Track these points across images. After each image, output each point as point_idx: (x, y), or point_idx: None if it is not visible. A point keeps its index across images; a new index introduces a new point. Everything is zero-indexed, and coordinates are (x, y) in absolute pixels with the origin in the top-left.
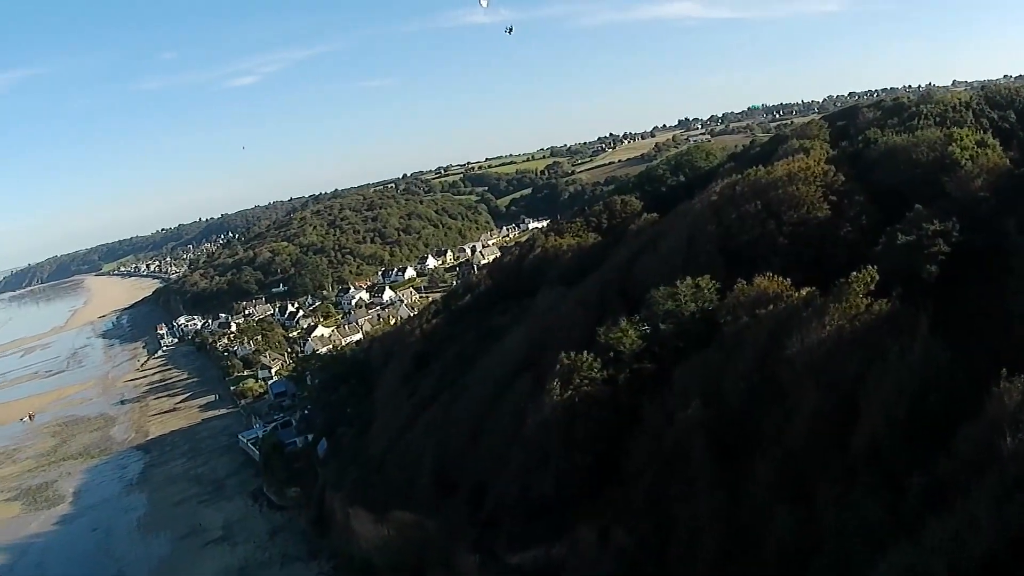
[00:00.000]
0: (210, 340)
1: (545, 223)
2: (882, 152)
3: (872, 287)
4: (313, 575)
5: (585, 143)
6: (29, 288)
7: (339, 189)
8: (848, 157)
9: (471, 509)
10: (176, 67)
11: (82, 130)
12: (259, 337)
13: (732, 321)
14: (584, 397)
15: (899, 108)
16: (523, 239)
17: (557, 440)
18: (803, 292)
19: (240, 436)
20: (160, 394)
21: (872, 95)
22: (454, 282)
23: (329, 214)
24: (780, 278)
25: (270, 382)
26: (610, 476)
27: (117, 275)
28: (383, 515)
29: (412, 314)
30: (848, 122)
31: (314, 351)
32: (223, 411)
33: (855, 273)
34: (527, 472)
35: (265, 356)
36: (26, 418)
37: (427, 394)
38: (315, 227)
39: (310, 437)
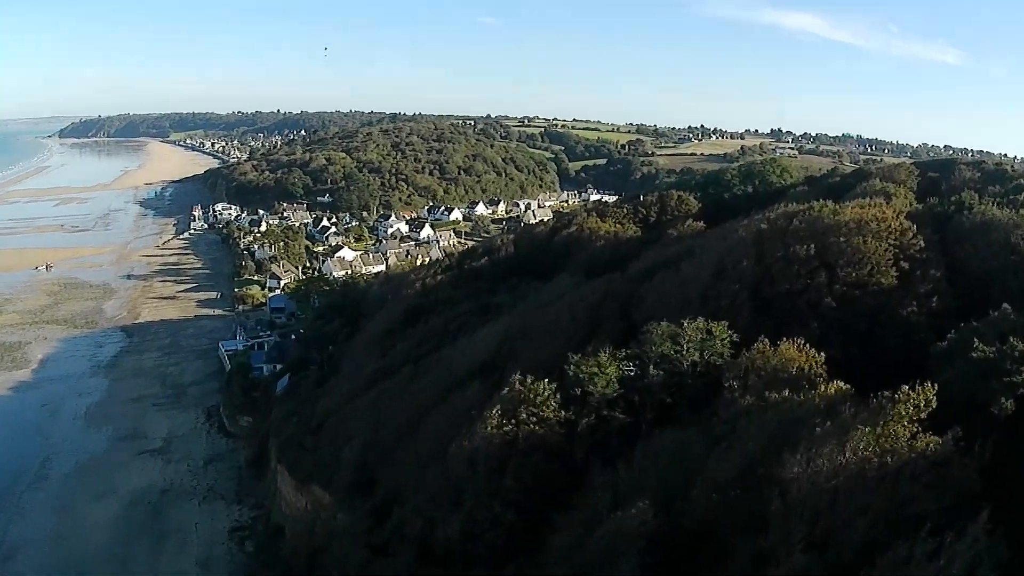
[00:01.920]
0: (236, 234)
1: (609, 198)
2: (976, 223)
3: (923, 414)
4: (229, 521)
5: (674, 128)
6: (93, 139)
7: (421, 113)
8: (934, 218)
9: (375, 521)
10: None
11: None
12: (281, 244)
13: (738, 392)
14: (528, 437)
15: (1002, 175)
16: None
17: (479, 481)
18: (832, 387)
19: (221, 344)
20: (167, 278)
21: (968, 154)
22: (497, 234)
23: (396, 136)
24: (813, 351)
25: (270, 296)
26: (534, 544)
27: (181, 146)
28: (304, 485)
29: (441, 257)
30: (941, 175)
31: (327, 274)
32: (219, 312)
33: (906, 388)
34: (436, 505)
35: (278, 265)
36: (42, 267)
37: (394, 361)
38: (378, 145)
39: (278, 368)
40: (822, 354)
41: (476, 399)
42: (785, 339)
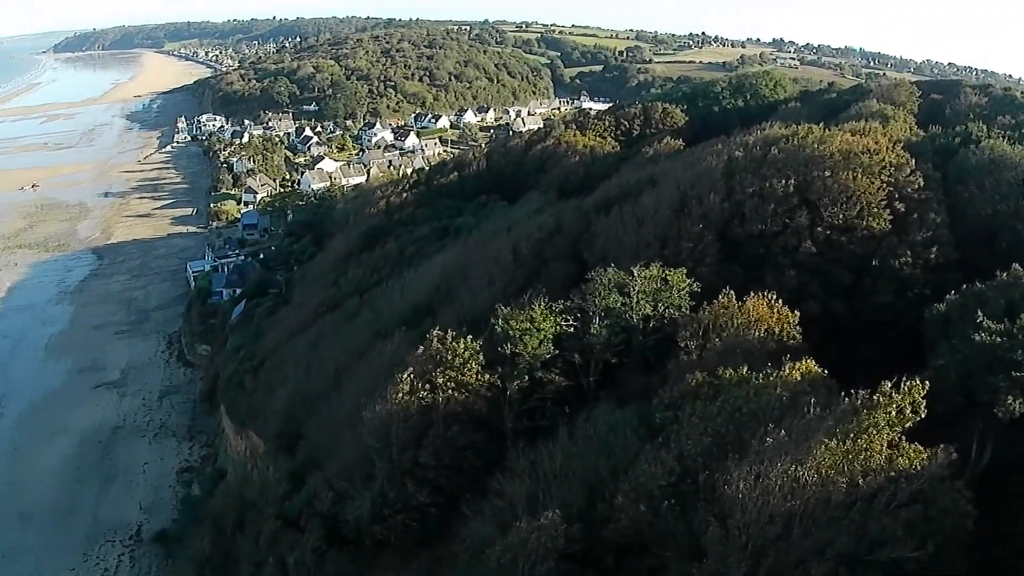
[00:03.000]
0: (216, 147)
1: (603, 106)
2: (983, 161)
3: (908, 422)
4: (178, 461)
5: (673, 35)
6: (88, 52)
7: (419, 19)
8: (936, 151)
9: (292, 486)
10: None
11: None
12: (259, 156)
13: (695, 353)
14: (448, 404)
15: (1011, 103)
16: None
17: (391, 454)
18: (800, 368)
19: (188, 265)
20: (144, 194)
21: (973, 73)
22: (485, 142)
23: (387, 42)
24: (786, 309)
25: (242, 212)
26: (450, 532)
27: (175, 56)
28: (243, 427)
29: (424, 166)
30: (945, 98)
31: (304, 187)
32: (193, 229)
33: (889, 388)
34: (347, 478)
35: (255, 179)
36: (28, 187)
37: (341, 292)
38: (368, 52)
39: (237, 292)
40: (796, 313)
41: (400, 352)
42: (753, 294)
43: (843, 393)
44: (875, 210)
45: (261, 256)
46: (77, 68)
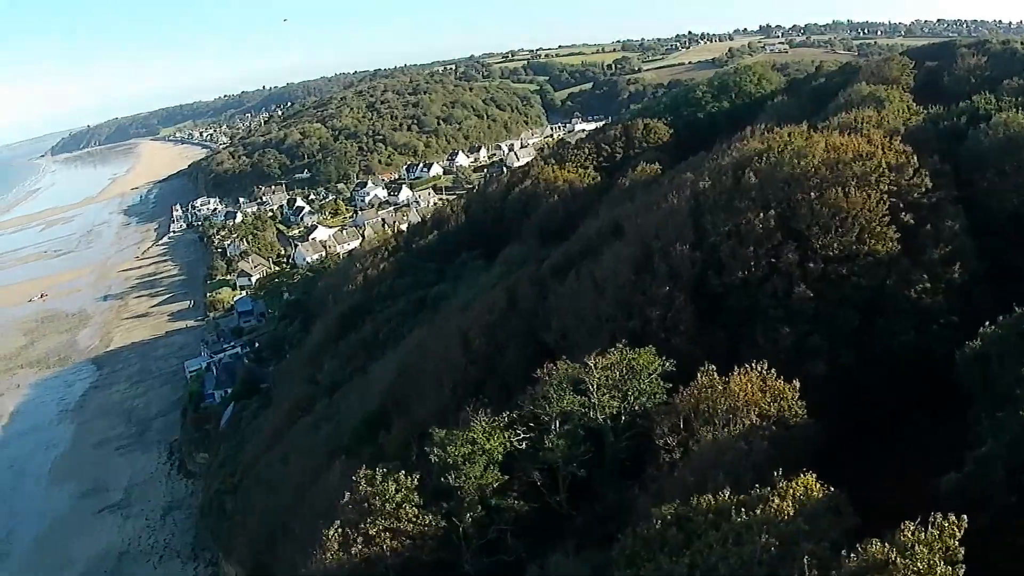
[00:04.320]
0: (210, 231)
1: (597, 124)
2: (999, 141)
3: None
4: None
5: (660, 39)
6: (86, 150)
7: (407, 65)
8: (941, 137)
9: None
10: None
11: None
12: (250, 236)
13: (676, 453)
14: (393, 555)
15: (1012, 58)
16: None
17: None
18: (799, 486)
19: (185, 365)
20: (142, 292)
21: (963, 27)
22: (479, 183)
23: (371, 95)
24: (781, 381)
25: (235, 299)
26: None
27: (171, 141)
28: (228, 555)
29: (419, 221)
30: (941, 64)
31: (297, 262)
32: (191, 323)
33: (911, 531)
34: None
35: (248, 261)
36: (37, 298)
37: (316, 391)
38: (353, 109)
39: (228, 391)
40: (796, 382)
41: (341, 488)
42: (739, 368)
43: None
44: (877, 229)
45: (256, 345)
46: (76, 167)
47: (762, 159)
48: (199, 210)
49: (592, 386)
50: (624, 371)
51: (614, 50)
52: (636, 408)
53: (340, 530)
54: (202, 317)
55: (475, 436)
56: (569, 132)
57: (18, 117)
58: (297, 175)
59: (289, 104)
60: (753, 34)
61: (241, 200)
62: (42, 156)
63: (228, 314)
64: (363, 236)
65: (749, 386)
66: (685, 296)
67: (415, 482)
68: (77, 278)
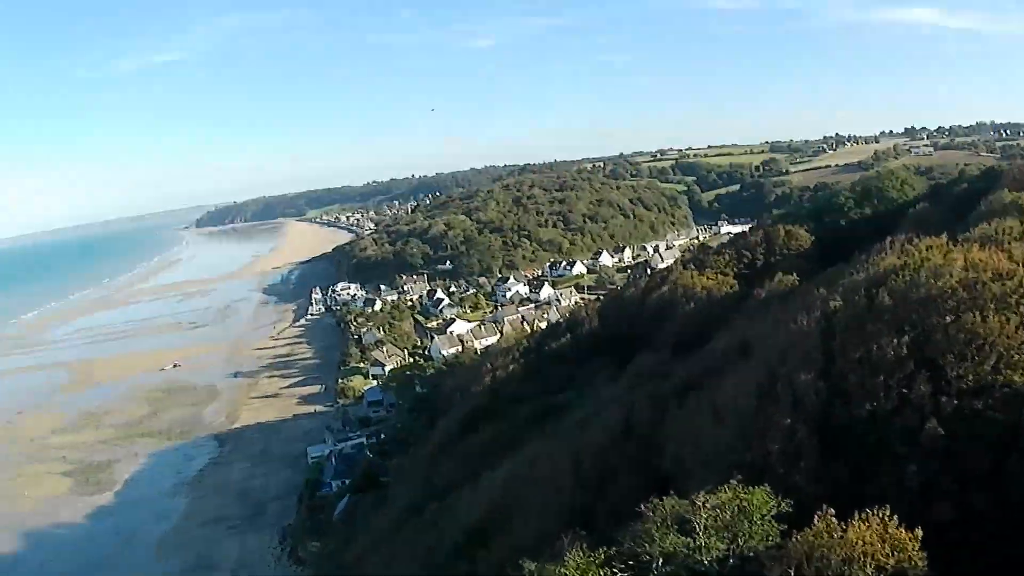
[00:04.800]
0: (348, 317)
1: (742, 227)
2: None
3: None
4: None
5: (807, 141)
6: (231, 225)
7: (556, 160)
8: None
9: None
10: (413, 24)
11: (308, 77)
12: (386, 325)
13: None
14: None
15: None
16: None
17: None
18: None
19: (308, 450)
20: (275, 373)
21: None
22: (621, 284)
23: (517, 190)
24: (902, 530)
25: (366, 388)
26: None
27: (318, 223)
28: None
29: (556, 321)
30: None
31: (433, 355)
32: (319, 408)
33: None
34: None
35: (382, 350)
36: (169, 366)
37: (429, 494)
38: (499, 203)
39: (346, 482)
40: (919, 531)
41: None
42: (859, 516)
43: None
44: (1015, 358)
45: (382, 436)
46: (219, 242)
47: (898, 276)
48: (339, 294)
49: (699, 526)
50: (735, 512)
51: (762, 151)
52: (746, 552)
53: None
54: (331, 403)
55: (567, 572)
56: (715, 234)
57: (168, 188)
58: (439, 266)
59: (436, 194)
60: (898, 136)
61: (382, 287)
62: (186, 228)
63: (357, 402)
64: (501, 332)
65: (868, 535)
66: (808, 430)
67: None
68: (210, 352)
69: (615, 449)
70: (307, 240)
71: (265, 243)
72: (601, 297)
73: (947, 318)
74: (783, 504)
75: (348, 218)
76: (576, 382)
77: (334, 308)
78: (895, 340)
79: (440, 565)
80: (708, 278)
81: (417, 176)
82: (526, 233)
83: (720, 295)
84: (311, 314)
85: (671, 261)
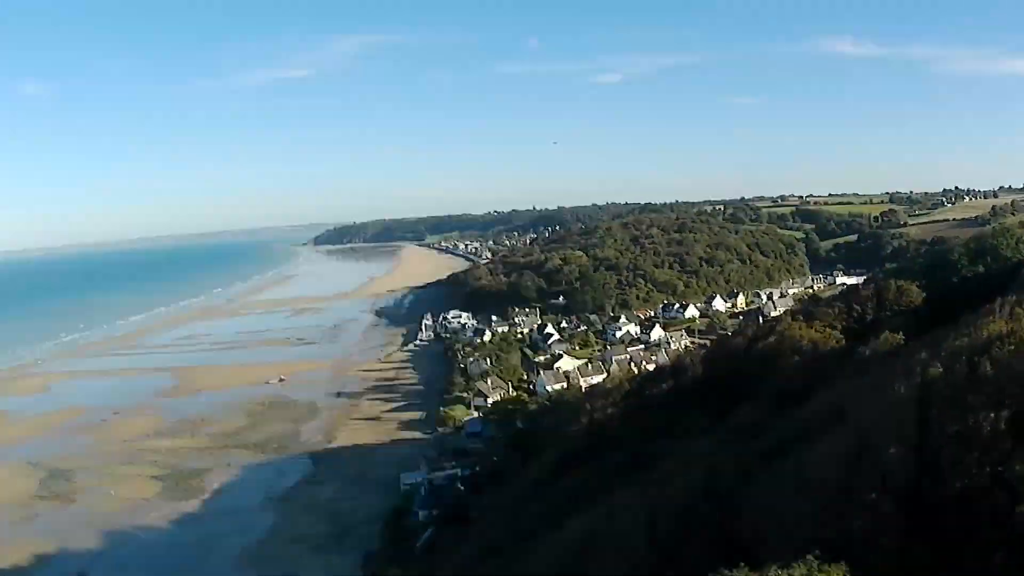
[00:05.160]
0: (456, 346)
1: (857, 279)
2: None
3: None
4: None
5: (927, 193)
6: (349, 245)
7: (678, 201)
8: None
9: None
10: (540, 55)
11: (432, 104)
12: (494, 357)
13: None
14: None
15: None
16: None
17: None
18: None
19: (402, 476)
20: (377, 396)
21: None
22: (733, 330)
23: (636, 229)
24: None
25: (467, 419)
26: None
27: (436, 249)
28: None
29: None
30: None
31: (538, 389)
32: (418, 435)
33: None
34: None
35: (487, 381)
36: (275, 380)
37: (515, 531)
38: (616, 240)
39: (434, 513)
40: None
41: None
42: None
43: None
44: None
45: (477, 469)
46: (336, 260)
47: (1003, 344)
48: (450, 322)
49: None
50: None
51: (882, 201)
52: None
53: None
54: (430, 431)
55: None
56: (830, 284)
57: (293, 204)
58: (552, 300)
59: (556, 227)
60: (1017, 191)
61: (494, 318)
62: (304, 244)
63: (456, 433)
64: (608, 372)
65: None
66: (893, 505)
67: None
68: (315, 370)
69: (693, 511)
70: (424, 265)
71: (382, 265)
72: (711, 342)
73: None
74: None
75: (467, 246)
76: (675, 430)
77: (444, 336)
78: (994, 414)
79: None
80: (816, 331)
81: (538, 208)
82: (642, 273)
83: (826, 350)
84: (420, 340)
85: (784, 309)
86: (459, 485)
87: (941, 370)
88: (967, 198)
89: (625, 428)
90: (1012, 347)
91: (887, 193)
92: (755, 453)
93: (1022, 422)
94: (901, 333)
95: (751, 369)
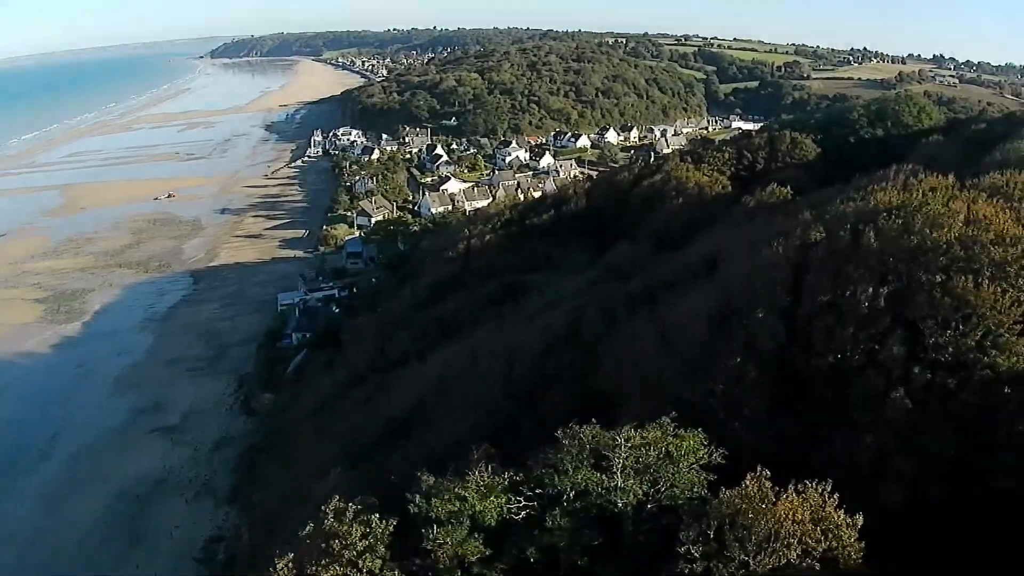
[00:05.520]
0: (343, 164)
1: (755, 125)
2: None
3: None
4: (211, 527)
5: (833, 50)
6: (245, 58)
7: (581, 30)
8: None
9: None
10: None
11: None
12: (380, 176)
13: (698, 566)
14: None
15: None
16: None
17: None
18: None
19: (279, 297)
20: (260, 212)
21: None
22: (626, 163)
23: (534, 55)
24: (842, 508)
25: (346, 238)
26: None
27: (332, 64)
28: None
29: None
30: None
31: (421, 211)
32: (299, 253)
33: None
34: None
35: (371, 200)
36: (163, 197)
37: (376, 365)
38: (513, 65)
39: (306, 335)
40: (859, 516)
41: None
42: (793, 486)
43: None
44: (1004, 338)
45: (354, 290)
46: (231, 74)
47: (891, 217)
48: (339, 139)
49: (617, 466)
50: (661, 454)
51: (787, 52)
52: (665, 500)
53: (289, 565)
54: (312, 249)
55: (466, 494)
56: (726, 128)
57: (185, 15)
58: (444, 121)
59: (454, 48)
60: (925, 61)
61: (384, 137)
62: (201, 57)
63: (338, 252)
64: (494, 196)
65: (800, 512)
66: (758, 373)
67: (390, 528)
68: (201, 186)
69: (553, 357)
70: (318, 80)
71: (276, 79)
72: (592, 176)
73: (937, 277)
74: (716, 454)
75: (364, 63)
76: (552, 261)
77: (332, 153)
78: (873, 289)
79: (357, 453)
80: (704, 174)
81: (439, 29)
82: (536, 99)
83: (711, 195)
84: (308, 156)
85: (675, 148)
86: (334, 307)
87: (824, 235)
88: (875, 60)
89: (502, 256)
90: (901, 221)
91: (793, 44)
92: (625, 297)
93: (904, 304)
94: (789, 188)
95: (634, 207)
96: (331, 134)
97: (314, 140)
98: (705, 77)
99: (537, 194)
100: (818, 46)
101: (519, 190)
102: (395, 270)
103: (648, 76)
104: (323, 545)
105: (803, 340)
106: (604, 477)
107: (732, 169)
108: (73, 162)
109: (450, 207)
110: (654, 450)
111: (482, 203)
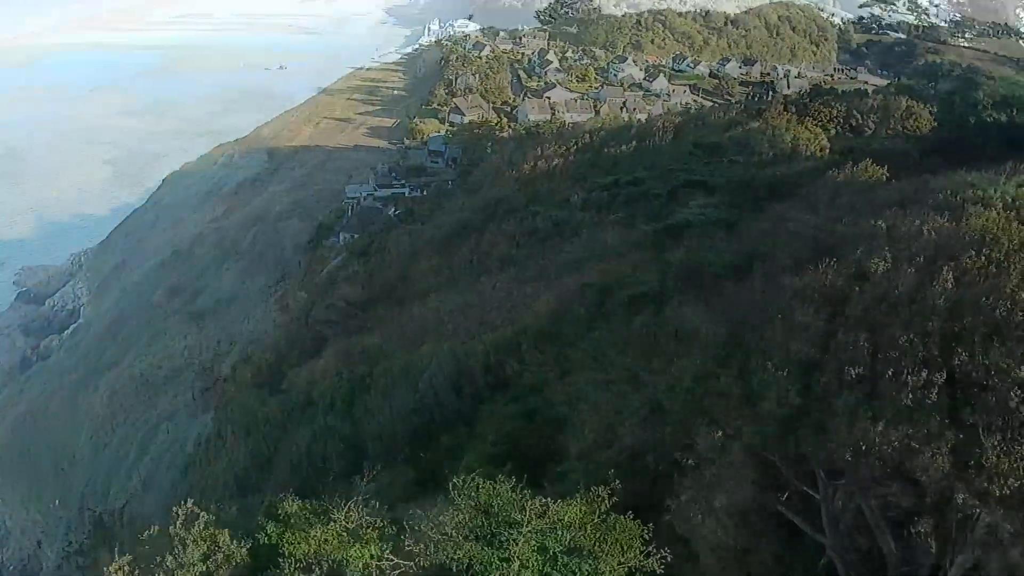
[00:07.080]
0: (451, 56)
1: (881, 81)
2: None
3: None
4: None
5: (975, 20)
6: None
7: None
8: None
9: None
10: None
11: None
12: (482, 74)
13: None
14: None
15: None
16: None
17: None
18: None
19: (347, 187)
20: (356, 96)
21: None
22: (742, 98)
23: None
24: None
25: (430, 135)
26: None
27: None
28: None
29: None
30: None
31: (521, 118)
32: (384, 144)
33: None
34: None
35: (465, 98)
36: (275, 68)
37: (402, 290)
38: None
39: (354, 237)
40: None
41: None
42: None
43: None
44: None
45: (423, 192)
46: None
47: (979, 254)
48: (456, 30)
49: (514, 551)
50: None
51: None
52: None
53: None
54: (397, 141)
55: (327, 536)
56: (852, 79)
57: None
58: (565, 27)
59: None
60: None
61: (501, 33)
62: None
63: (421, 148)
64: (597, 112)
65: None
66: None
67: (243, 552)
68: (306, 61)
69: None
70: None
71: None
72: (699, 110)
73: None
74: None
75: None
76: (606, 204)
77: (444, 43)
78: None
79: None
80: (807, 128)
81: None
82: (662, 19)
83: (804, 154)
84: (419, 44)
85: (797, 90)
86: (392, 210)
87: (888, 264)
88: (1013, 38)
89: (566, 183)
90: (994, 267)
91: (936, 5)
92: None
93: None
94: (887, 168)
95: (722, 151)
96: (448, 24)
97: (429, 28)
98: (841, 23)
99: (643, 116)
100: (965, 13)
101: (624, 109)
102: (467, 179)
103: (782, 13)
104: (158, 558)
105: (815, 421)
106: (498, 559)
107: (837, 128)
108: (181, 24)
109: (549, 116)
110: (568, 534)
111: (583, 116)
